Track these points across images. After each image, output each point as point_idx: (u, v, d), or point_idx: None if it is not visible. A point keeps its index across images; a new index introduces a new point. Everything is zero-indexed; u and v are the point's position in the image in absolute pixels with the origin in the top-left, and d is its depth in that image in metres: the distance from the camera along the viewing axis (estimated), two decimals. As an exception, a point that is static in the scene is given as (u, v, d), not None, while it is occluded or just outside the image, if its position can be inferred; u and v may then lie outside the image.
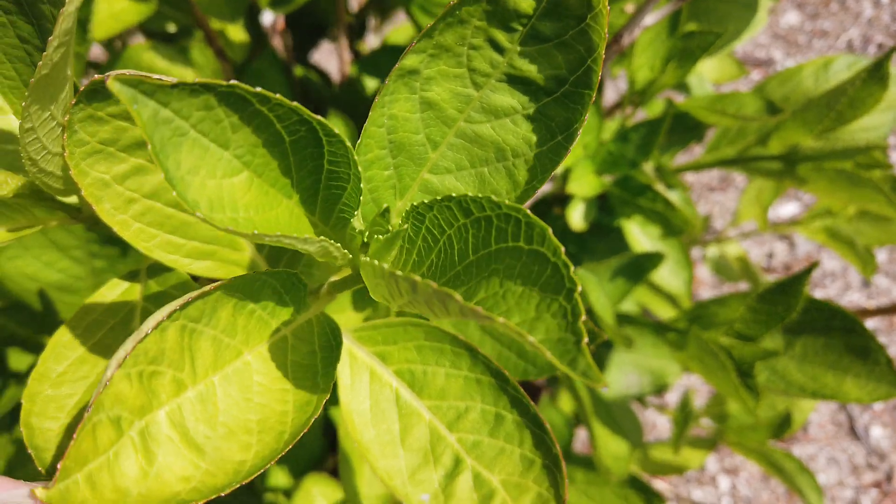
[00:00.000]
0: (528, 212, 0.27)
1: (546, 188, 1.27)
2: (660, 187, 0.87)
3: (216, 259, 0.43)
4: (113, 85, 0.24)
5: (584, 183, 0.91)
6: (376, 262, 0.27)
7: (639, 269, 0.84)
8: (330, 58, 1.70)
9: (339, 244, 0.30)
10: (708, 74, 1.17)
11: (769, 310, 0.78)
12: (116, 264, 0.76)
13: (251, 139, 0.29)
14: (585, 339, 0.23)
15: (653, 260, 0.82)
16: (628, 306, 1.10)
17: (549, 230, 0.26)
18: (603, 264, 0.82)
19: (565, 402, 1.14)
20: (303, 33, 1.18)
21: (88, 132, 0.37)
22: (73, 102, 0.36)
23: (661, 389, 1.03)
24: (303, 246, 0.29)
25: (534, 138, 0.35)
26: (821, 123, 0.88)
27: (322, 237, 0.29)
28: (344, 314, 0.54)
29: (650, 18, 0.85)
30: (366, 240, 0.34)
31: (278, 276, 0.34)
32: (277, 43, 1.22)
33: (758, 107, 0.88)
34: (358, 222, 0.33)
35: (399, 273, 0.25)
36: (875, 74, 0.77)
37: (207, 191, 0.27)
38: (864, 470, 1.49)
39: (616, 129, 0.95)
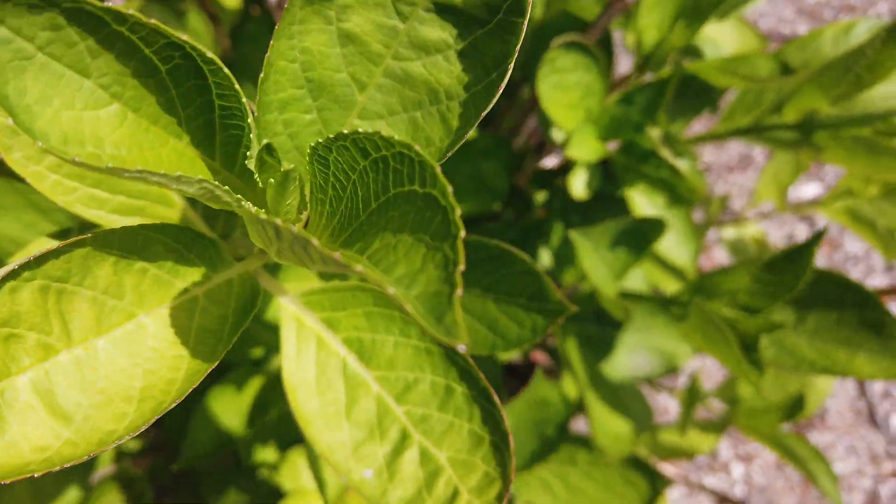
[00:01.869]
0: (419, 149, 0.23)
1: (556, 161, 1.22)
2: (665, 153, 0.82)
3: (146, 215, 0.40)
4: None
5: (585, 148, 0.86)
6: (248, 204, 0.24)
7: (641, 237, 0.79)
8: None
9: (227, 187, 0.27)
10: (727, 46, 1.12)
11: (776, 280, 0.73)
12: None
13: (116, 67, 0.25)
14: (459, 292, 0.19)
15: (655, 227, 0.77)
16: (639, 284, 1.06)
17: (437, 167, 0.22)
18: (598, 228, 0.77)
19: (568, 383, 1.10)
20: None
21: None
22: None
23: (671, 371, 0.99)
24: (177, 185, 0.25)
25: (467, 77, 0.30)
26: (838, 87, 0.82)
27: (201, 177, 0.25)
28: (300, 282, 0.51)
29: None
30: (261, 184, 0.30)
31: (168, 230, 0.30)
32: (279, 16, 1.19)
33: (771, 68, 0.82)
34: (252, 165, 0.30)
35: (263, 216, 0.21)
36: (896, 35, 0.71)
37: (62, 123, 0.24)
38: (884, 459, 1.44)
39: (621, 93, 0.90)
